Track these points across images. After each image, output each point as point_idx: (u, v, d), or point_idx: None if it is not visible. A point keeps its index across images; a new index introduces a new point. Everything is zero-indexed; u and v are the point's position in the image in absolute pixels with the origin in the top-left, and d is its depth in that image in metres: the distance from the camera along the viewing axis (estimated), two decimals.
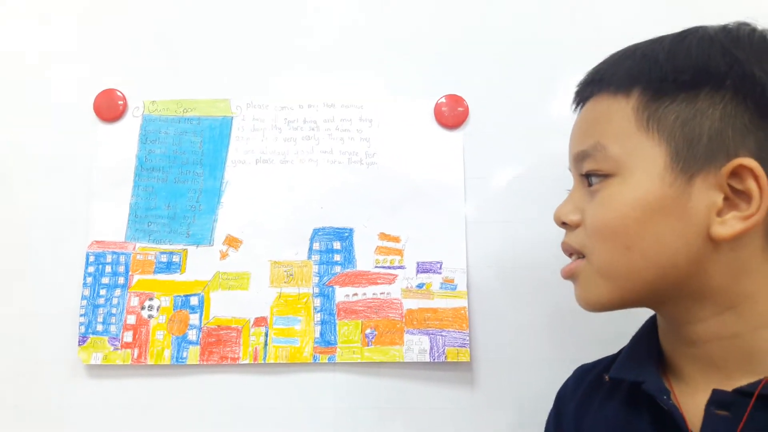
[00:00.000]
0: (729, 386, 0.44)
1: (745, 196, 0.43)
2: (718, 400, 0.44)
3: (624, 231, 0.46)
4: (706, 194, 0.44)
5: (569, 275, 0.53)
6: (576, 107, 0.55)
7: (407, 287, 0.86)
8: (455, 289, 0.85)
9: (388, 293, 0.86)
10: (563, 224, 0.54)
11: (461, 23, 0.92)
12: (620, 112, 0.48)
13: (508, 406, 0.83)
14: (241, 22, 0.93)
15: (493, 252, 0.86)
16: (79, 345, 0.85)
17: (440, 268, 0.86)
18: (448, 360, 0.83)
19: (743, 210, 0.43)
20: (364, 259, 0.87)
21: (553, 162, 0.86)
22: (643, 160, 0.46)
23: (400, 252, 0.87)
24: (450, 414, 0.83)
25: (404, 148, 0.89)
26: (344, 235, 0.88)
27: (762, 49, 0.44)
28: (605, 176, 0.48)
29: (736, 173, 0.43)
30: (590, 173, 0.50)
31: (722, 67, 0.44)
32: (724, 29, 0.46)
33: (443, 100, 0.90)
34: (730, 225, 0.43)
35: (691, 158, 0.44)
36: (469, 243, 0.87)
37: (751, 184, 0.42)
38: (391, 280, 0.86)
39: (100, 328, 0.86)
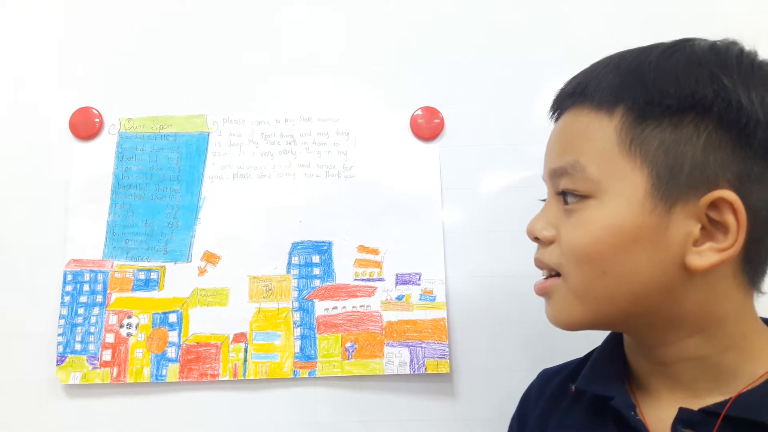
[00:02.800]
0: (696, 403, 0.44)
1: (722, 227, 0.42)
2: (684, 419, 0.44)
3: (599, 256, 0.45)
4: (684, 223, 0.43)
5: (543, 293, 0.52)
6: (553, 116, 0.52)
7: (387, 299, 0.86)
8: (434, 300, 0.85)
9: (367, 306, 0.86)
10: (536, 239, 0.52)
11: (436, 36, 0.92)
12: (602, 131, 0.45)
13: (489, 417, 0.83)
14: (216, 37, 0.93)
15: (470, 262, 0.86)
16: (57, 364, 0.84)
17: (419, 279, 0.86)
18: (428, 372, 0.83)
19: (719, 241, 0.42)
20: (344, 272, 0.87)
21: (529, 172, 0.88)
22: (624, 184, 0.44)
23: (379, 264, 0.87)
24: (431, 425, 0.83)
25: (381, 161, 0.89)
26: (323, 249, 0.88)
27: (749, 75, 0.43)
28: (582, 197, 0.46)
29: (715, 205, 0.42)
30: (567, 191, 0.48)
31: (709, 94, 0.42)
32: (713, 49, 0.44)
33: (419, 112, 0.90)
34: (705, 256, 0.42)
35: (672, 186, 0.43)
36: (447, 254, 0.87)
37: (729, 218, 0.42)
38: (370, 292, 0.86)
39: (78, 347, 0.85)
